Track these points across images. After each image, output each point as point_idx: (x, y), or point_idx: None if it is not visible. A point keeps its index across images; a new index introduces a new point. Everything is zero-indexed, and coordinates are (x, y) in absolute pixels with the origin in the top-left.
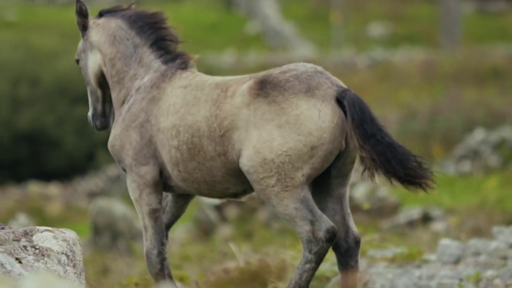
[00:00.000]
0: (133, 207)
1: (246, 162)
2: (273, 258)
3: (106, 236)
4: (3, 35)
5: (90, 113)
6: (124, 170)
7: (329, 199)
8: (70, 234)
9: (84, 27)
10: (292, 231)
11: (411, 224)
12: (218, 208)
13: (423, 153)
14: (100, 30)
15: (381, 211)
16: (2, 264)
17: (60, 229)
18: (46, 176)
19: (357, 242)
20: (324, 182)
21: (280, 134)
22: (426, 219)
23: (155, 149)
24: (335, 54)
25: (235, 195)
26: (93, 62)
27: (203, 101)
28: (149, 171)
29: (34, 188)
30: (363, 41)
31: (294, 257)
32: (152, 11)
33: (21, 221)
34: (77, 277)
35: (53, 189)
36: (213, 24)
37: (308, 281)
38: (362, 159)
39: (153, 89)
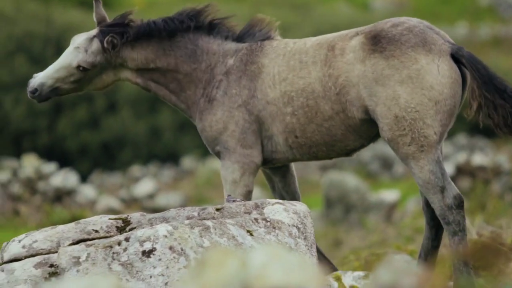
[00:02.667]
0: (366, 180)
1: (381, 119)
2: (506, 230)
3: (338, 209)
4: (235, 8)
5: (42, 87)
6: (218, 153)
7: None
8: (301, 207)
9: (113, 49)
10: None
11: None
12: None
13: None
14: (138, 50)
15: None
16: (233, 237)
17: (291, 202)
18: None
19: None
20: None
21: (404, 90)
22: None
23: (262, 124)
24: None
25: (352, 152)
26: (109, 79)
27: (311, 63)
28: (256, 154)
29: None
30: None
31: None
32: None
33: (254, 194)
34: (308, 249)
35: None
36: None
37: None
38: (487, 115)
39: (248, 65)
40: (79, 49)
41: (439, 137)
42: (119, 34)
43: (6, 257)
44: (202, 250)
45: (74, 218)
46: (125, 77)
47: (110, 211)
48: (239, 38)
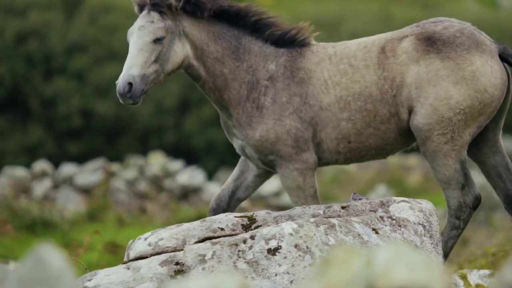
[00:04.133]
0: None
1: (421, 120)
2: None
3: None
4: (363, 5)
5: (133, 78)
6: (270, 162)
7: (488, 151)
8: (426, 204)
9: (175, 8)
10: None
11: None
12: None
13: None
14: (196, 25)
15: None
16: (359, 235)
17: (417, 200)
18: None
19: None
20: (481, 135)
21: (457, 91)
22: None
23: (314, 130)
24: None
25: (392, 154)
26: (180, 51)
27: (362, 66)
28: (310, 155)
29: (394, 159)
30: None
31: None
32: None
33: (380, 191)
34: (433, 247)
35: (413, 160)
36: None
37: (452, 248)
38: None
39: (294, 72)
40: (143, 27)
41: (470, 138)
42: None
43: (132, 254)
44: (327, 248)
45: (200, 216)
46: (187, 53)
47: (236, 209)
48: (278, 43)
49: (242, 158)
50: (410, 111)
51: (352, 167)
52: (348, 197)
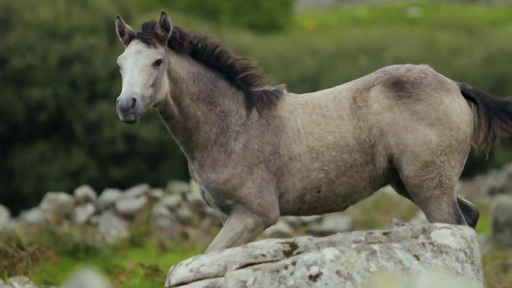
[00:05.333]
0: None
1: (406, 167)
2: None
3: (507, 232)
4: (407, 32)
5: (136, 95)
6: (227, 207)
7: None
8: (468, 231)
9: (164, 41)
10: None
11: None
12: None
13: None
14: (179, 63)
15: None
16: (400, 261)
17: (458, 226)
18: None
19: (478, 215)
20: None
21: (434, 133)
22: None
23: (278, 181)
24: None
25: (352, 204)
26: (166, 84)
27: (336, 116)
28: (274, 210)
29: None
30: None
31: None
32: (203, 35)
33: (422, 217)
34: (475, 274)
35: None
36: None
37: None
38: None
39: (269, 120)
40: (140, 51)
41: (457, 179)
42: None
43: (173, 280)
44: (368, 275)
45: None
46: (167, 88)
47: (278, 234)
48: (250, 90)
49: None
50: (390, 160)
51: (394, 192)
52: (390, 223)
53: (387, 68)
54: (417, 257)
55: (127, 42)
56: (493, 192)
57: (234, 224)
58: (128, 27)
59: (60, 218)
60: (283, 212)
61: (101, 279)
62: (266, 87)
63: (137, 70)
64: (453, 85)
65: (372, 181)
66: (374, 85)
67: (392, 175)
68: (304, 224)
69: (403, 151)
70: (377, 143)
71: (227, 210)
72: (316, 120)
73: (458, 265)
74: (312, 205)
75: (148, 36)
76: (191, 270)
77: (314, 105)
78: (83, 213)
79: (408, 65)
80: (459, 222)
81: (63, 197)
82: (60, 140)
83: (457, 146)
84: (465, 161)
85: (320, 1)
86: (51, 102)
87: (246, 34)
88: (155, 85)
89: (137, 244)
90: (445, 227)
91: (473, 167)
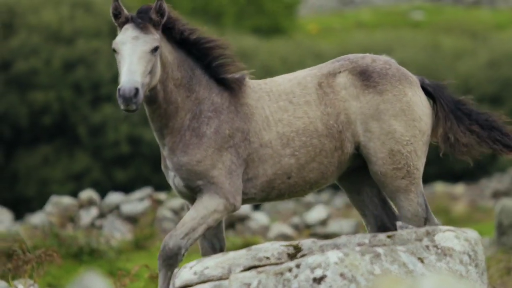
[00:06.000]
0: None
1: (374, 154)
2: None
3: (511, 235)
4: (411, 35)
5: (138, 84)
6: (197, 187)
7: (366, 180)
8: (472, 233)
9: (158, 26)
10: None
11: None
12: None
13: None
14: (168, 48)
15: None
16: (404, 264)
17: (462, 229)
18: (452, 176)
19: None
20: (364, 167)
21: (399, 124)
22: None
23: (246, 167)
24: None
25: (316, 189)
26: (159, 69)
27: (303, 102)
28: (239, 197)
29: (440, 188)
30: None
31: None
32: (190, 26)
33: None
34: (479, 277)
35: (459, 189)
36: None
37: None
38: (455, 139)
39: (238, 107)
40: (137, 37)
41: (423, 169)
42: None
43: (178, 283)
44: (372, 277)
45: (246, 245)
46: (160, 73)
47: (283, 237)
48: (220, 77)
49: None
50: (357, 147)
51: None
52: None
53: (351, 56)
54: (421, 260)
55: (121, 25)
56: (497, 195)
57: (207, 203)
58: (125, 11)
59: (64, 221)
60: (248, 198)
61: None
62: (230, 75)
63: (136, 57)
64: (414, 78)
65: (339, 166)
66: (340, 72)
67: (355, 159)
68: (308, 226)
69: (370, 138)
70: (345, 129)
71: (197, 191)
72: (284, 106)
73: (462, 268)
74: (281, 191)
75: (144, 21)
76: (195, 273)
77: (279, 91)
78: (87, 216)
79: (372, 55)
80: (427, 212)
81: (67, 200)
82: (64, 143)
83: (421, 137)
84: (426, 153)
85: (323, 4)
86: (55, 106)
87: (250, 38)
88: (151, 72)
89: (141, 247)
90: (449, 230)
91: (478, 170)
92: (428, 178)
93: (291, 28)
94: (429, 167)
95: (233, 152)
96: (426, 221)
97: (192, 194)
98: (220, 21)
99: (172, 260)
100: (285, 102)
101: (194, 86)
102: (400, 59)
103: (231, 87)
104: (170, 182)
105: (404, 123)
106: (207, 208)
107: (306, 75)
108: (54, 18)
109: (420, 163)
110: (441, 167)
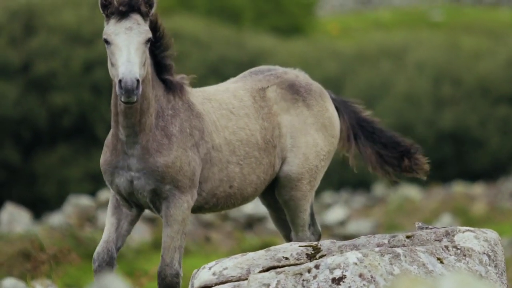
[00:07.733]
0: None
1: (294, 169)
2: None
3: None
4: (430, 35)
5: (138, 77)
6: (164, 194)
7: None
8: (491, 234)
9: (147, 17)
10: None
11: None
12: None
13: None
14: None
15: None
16: (424, 264)
17: (482, 229)
18: (471, 176)
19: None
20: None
21: (320, 138)
22: None
23: (202, 168)
24: None
25: (240, 206)
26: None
27: (243, 114)
28: (195, 194)
29: (459, 188)
30: None
31: None
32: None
33: (445, 221)
34: (498, 277)
35: (478, 189)
36: None
37: None
38: (362, 153)
39: (191, 105)
40: (131, 28)
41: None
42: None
43: (196, 284)
44: (392, 278)
45: (264, 245)
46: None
47: None
48: (167, 78)
49: (114, 205)
50: (283, 161)
51: (417, 196)
52: (413, 227)
53: (262, 68)
54: (440, 260)
55: (110, 15)
56: None
57: (176, 216)
58: (114, 1)
59: (82, 222)
60: (195, 205)
61: (123, 282)
62: (173, 77)
63: (133, 48)
64: (328, 93)
65: (267, 185)
66: (268, 87)
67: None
68: (327, 227)
69: (296, 154)
70: (277, 144)
71: (163, 196)
72: (226, 115)
73: (481, 268)
74: (219, 200)
75: (134, 11)
76: (214, 273)
77: (218, 100)
78: (105, 216)
79: (289, 69)
80: (312, 219)
81: (85, 200)
82: (82, 143)
83: (332, 153)
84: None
85: (342, 4)
86: (74, 107)
87: (268, 37)
88: (145, 63)
89: (159, 247)
90: (468, 230)
91: (496, 171)
92: (446, 178)
93: (310, 28)
94: (448, 167)
95: (195, 151)
96: (310, 227)
97: (150, 200)
98: (237, 20)
99: (173, 285)
100: (226, 111)
101: (155, 82)
102: (418, 58)
103: (175, 88)
104: (122, 184)
105: (324, 137)
106: (177, 220)
107: (238, 88)
108: (73, 19)
109: (320, 177)
110: (459, 166)
